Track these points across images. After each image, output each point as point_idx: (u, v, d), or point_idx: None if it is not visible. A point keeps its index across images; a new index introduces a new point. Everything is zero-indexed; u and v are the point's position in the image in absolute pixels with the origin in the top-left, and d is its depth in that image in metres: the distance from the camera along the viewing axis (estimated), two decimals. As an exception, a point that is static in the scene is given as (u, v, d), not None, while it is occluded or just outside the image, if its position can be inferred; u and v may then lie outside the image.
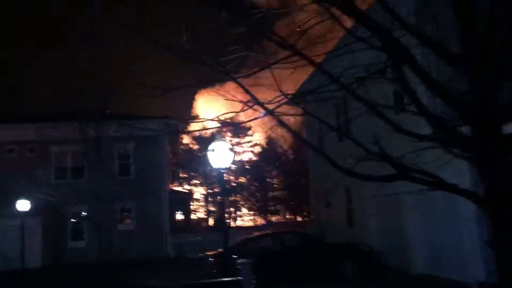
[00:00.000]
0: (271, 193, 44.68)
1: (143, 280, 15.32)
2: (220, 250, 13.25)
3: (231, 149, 7.46)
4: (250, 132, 50.65)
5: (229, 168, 48.48)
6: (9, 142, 22.80)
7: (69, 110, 21.94)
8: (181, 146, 41.88)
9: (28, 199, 19.59)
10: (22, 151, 22.87)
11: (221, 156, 7.31)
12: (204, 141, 49.28)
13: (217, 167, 7.44)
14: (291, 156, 46.46)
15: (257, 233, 14.97)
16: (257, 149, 49.50)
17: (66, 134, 21.13)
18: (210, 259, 12.61)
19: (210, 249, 22.23)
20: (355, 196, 16.12)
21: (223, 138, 7.41)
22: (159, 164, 23.84)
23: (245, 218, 50.70)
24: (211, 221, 46.06)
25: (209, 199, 46.05)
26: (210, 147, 7.42)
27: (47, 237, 22.24)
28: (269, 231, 15.92)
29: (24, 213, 18.81)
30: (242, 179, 47.78)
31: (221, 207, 7.93)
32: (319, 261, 12.31)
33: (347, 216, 16.87)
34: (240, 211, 48.79)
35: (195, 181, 48.57)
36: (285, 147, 47.06)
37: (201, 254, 22.25)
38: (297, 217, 44.18)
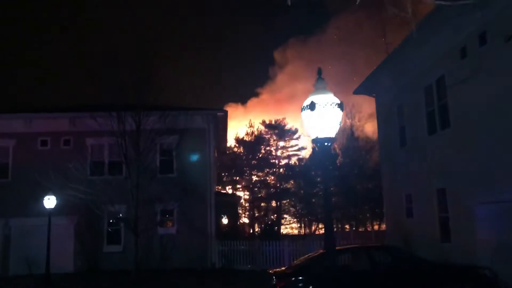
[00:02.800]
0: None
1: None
2: (284, 267, 10.18)
3: (340, 105, 4.30)
4: (295, 136, 47.52)
5: (277, 169, 45.73)
6: (42, 133, 20.69)
7: (106, 101, 19.56)
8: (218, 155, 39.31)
9: (57, 196, 17.29)
10: (55, 143, 20.69)
11: (326, 117, 4.26)
12: (247, 145, 46.79)
13: (321, 136, 4.38)
14: (342, 159, 42.78)
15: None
16: (305, 153, 46.17)
17: (103, 125, 18.65)
18: (273, 278, 9.47)
19: (260, 260, 19.38)
20: (454, 201, 12.57)
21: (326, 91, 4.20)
22: (205, 161, 21.06)
23: (291, 226, 47.37)
24: (256, 228, 43.19)
25: (254, 203, 43.09)
26: (307, 102, 4.36)
27: (80, 239, 19.93)
28: (349, 245, 12.50)
29: (51, 210, 16.38)
30: (288, 184, 44.57)
31: (326, 200, 4.85)
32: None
33: (440, 228, 13.29)
34: (284, 218, 45.51)
35: (237, 186, 45.82)
36: (337, 149, 43.42)
37: (249, 266, 19.37)
38: (356, 226, 40.54)
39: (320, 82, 4.47)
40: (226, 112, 21.36)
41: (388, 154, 16.90)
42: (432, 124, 13.48)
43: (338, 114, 4.41)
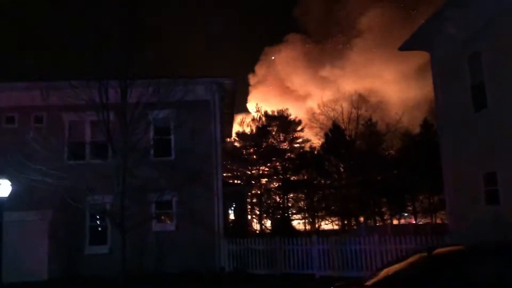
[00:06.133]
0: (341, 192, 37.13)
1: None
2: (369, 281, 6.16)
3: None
4: (299, 128, 44.01)
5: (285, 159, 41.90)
6: (7, 108, 16.76)
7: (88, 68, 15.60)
8: (223, 143, 35.82)
9: (26, 185, 13.52)
10: (24, 119, 16.77)
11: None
12: (249, 137, 43.36)
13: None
14: (359, 146, 38.93)
15: (456, 247, 5.89)
16: (317, 142, 42.40)
17: (84, 97, 14.67)
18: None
19: (281, 262, 15.49)
20: None
21: None
22: (210, 140, 17.15)
23: (303, 221, 43.46)
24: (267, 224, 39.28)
25: (264, 195, 39.18)
26: None
27: (56, 239, 16.06)
28: (482, 244, 6.93)
29: (2, 200, 12.37)
30: (300, 176, 40.72)
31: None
32: None
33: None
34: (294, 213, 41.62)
35: (243, 178, 42.06)
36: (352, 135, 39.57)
37: (268, 269, 15.47)
38: (374, 220, 36.62)
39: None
40: (234, 80, 17.41)
41: (454, 123, 12.90)
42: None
43: None
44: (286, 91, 65.84)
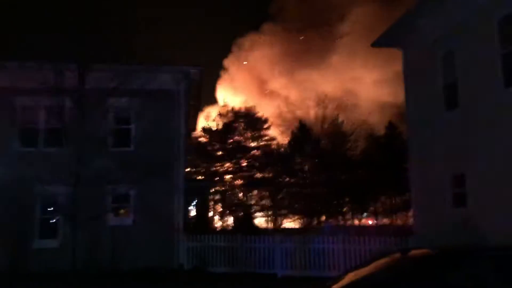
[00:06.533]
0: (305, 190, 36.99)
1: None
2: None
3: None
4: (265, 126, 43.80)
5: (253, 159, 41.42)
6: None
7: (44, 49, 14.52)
8: (188, 138, 35.02)
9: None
10: (-30, 102, 15.55)
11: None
12: (215, 133, 42.76)
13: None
14: (327, 144, 38.93)
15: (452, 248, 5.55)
16: (283, 140, 42.18)
17: (39, 80, 13.64)
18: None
19: (243, 260, 14.98)
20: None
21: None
22: (174, 132, 16.43)
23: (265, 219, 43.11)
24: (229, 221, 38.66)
25: (228, 192, 38.61)
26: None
27: (1, 231, 14.92)
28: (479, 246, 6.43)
29: None
30: (265, 173, 40.37)
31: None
32: None
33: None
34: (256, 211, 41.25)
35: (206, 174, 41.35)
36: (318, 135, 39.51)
37: (229, 268, 14.90)
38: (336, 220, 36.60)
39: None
40: (201, 70, 16.73)
41: (423, 124, 12.68)
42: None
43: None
44: (257, 84, 65.08)
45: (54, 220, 15.64)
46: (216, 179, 39.46)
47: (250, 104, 45.11)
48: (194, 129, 28.10)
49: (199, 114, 24.52)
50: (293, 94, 49.88)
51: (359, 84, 52.43)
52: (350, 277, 5.50)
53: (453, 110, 11.31)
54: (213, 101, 57.71)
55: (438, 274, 4.54)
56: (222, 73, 66.86)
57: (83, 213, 12.66)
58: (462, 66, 10.94)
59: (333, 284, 5.32)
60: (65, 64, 13.39)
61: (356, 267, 6.14)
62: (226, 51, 72.73)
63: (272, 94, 60.69)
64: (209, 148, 42.09)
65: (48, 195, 14.81)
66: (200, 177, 39.18)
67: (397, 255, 5.36)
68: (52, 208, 15.36)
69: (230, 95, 52.71)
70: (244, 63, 65.43)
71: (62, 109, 13.93)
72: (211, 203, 39.39)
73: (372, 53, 36.01)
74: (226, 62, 67.28)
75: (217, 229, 33.19)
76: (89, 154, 13.12)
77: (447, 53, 11.61)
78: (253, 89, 63.46)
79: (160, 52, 18.69)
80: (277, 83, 61.38)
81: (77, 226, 12.50)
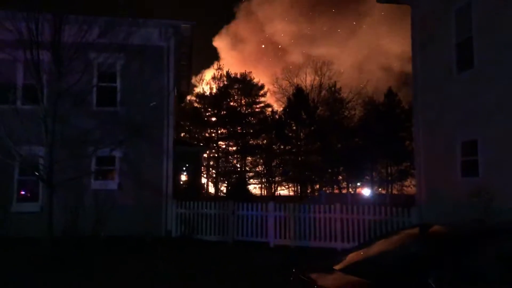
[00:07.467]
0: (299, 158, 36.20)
1: None
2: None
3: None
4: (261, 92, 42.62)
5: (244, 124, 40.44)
6: None
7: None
8: (182, 104, 33.76)
9: None
10: None
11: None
12: (207, 100, 41.59)
13: None
14: (321, 112, 37.90)
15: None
16: (279, 108, 41.12)
17: (11, 31, 12.37)
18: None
19: (233, 229, 14.19)
20: None
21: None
22: (162, 92, 15.34)
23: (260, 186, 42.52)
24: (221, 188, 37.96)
25: (221, 158, 37.76)
26: None
27: (-23, 195, 14.04)
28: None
29: None
30: (259, 140, 39.47)
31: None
32: None
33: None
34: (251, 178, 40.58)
35: (199, 138, 40.41)
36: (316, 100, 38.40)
37: (219, 236, 14.14)
38: (332, 188, 36.00)
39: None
40: (193, 25, 15.48)
41: (431, 86, 11.63)
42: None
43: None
44: (259, 45, 63.35)
45: (34, 183, 14.71)
46: (210, 145, 38.60)
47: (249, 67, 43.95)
48: (187, 92, 26.94)
49: (191, 75, 23.28)
50: (295, 58, 48.30)
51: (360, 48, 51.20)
52: (353, 257, 4.61)
53: (466, 71, 10.26)
54: (209, 64, 56.31)
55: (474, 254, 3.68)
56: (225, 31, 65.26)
57: (63, 175, 11.74)
58: (481, 20, 9.82)
59: (336, 264, 4.44)
60: (39, 14, 12.12)
61: (360, 247, 5.21)
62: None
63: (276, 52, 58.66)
64: (203, 114, 41.03)
65: (26, 156, 13.81)
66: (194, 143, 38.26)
67: (413, 230, 4.46)
68: (32, 171, 14.38)
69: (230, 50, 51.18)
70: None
71: (36, 62, 12.72)
72: (205, 169, 38.63)
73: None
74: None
75: (211, 196, 32.54)
76: (69, 112, 12.11)
77: (462, 6, 10.47)
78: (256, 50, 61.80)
79: (152, 4, 17.31)
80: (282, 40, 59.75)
81: (53, 187, 11.56)
